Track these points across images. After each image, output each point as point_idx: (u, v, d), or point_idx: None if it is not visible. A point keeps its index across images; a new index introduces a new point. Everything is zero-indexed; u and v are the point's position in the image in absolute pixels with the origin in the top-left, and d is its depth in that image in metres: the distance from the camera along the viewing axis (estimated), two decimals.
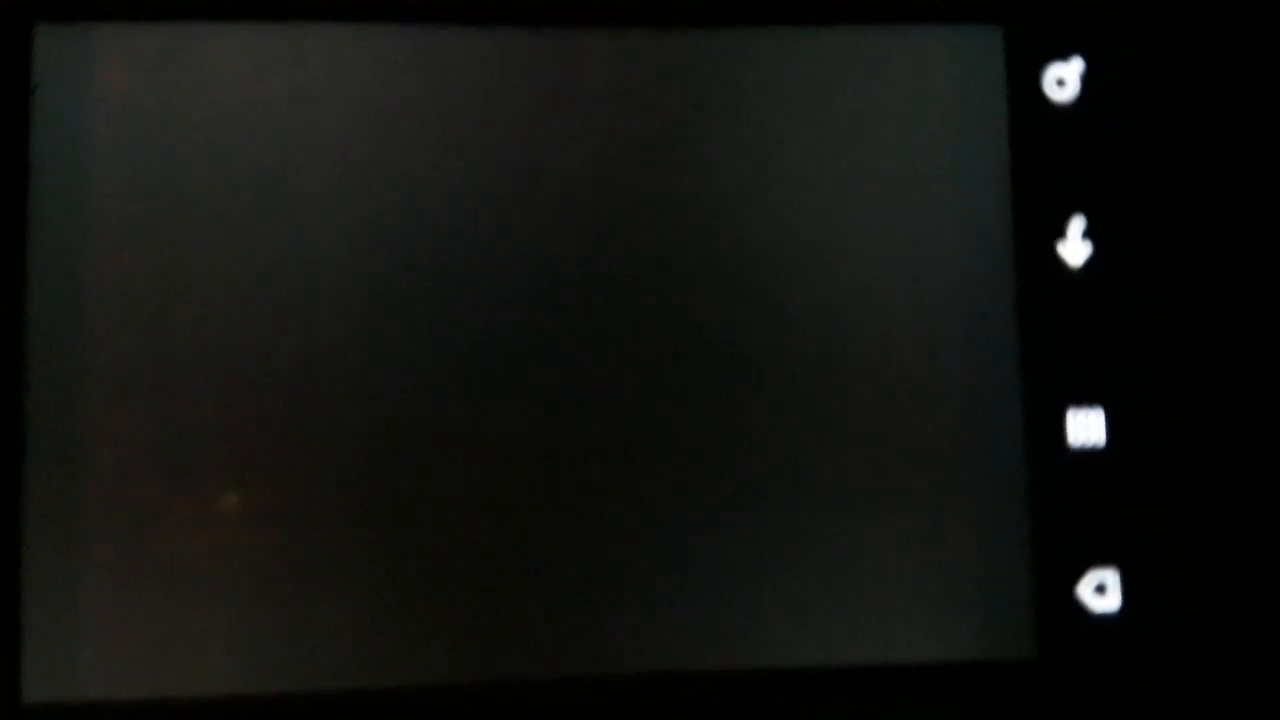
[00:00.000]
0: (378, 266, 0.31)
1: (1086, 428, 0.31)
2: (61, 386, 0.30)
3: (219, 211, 0.30)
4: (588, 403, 0.31)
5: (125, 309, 0.30)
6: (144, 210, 0.30)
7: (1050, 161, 0.31)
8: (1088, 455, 0.31)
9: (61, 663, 0.29)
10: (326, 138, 0.31)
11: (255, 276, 0.30)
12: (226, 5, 0.31)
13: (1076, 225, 0.31)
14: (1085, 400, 0.31)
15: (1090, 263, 0.31)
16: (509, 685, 0.30)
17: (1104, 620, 0.30)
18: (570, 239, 0.31)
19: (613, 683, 0.30)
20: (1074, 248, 0.31)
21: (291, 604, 0.30)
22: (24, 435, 0.29)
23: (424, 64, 0.31)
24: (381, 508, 0.30)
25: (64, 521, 0.30)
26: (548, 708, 0.30)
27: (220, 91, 0.31)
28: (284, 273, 0.30)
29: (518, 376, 0.31)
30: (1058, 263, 0.31)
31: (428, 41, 0.31)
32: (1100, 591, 0.31)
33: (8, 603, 0.29)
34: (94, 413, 0.30)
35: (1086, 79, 0.32)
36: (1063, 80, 0.32)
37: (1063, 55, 0.32)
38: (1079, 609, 0.31)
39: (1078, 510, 0.31)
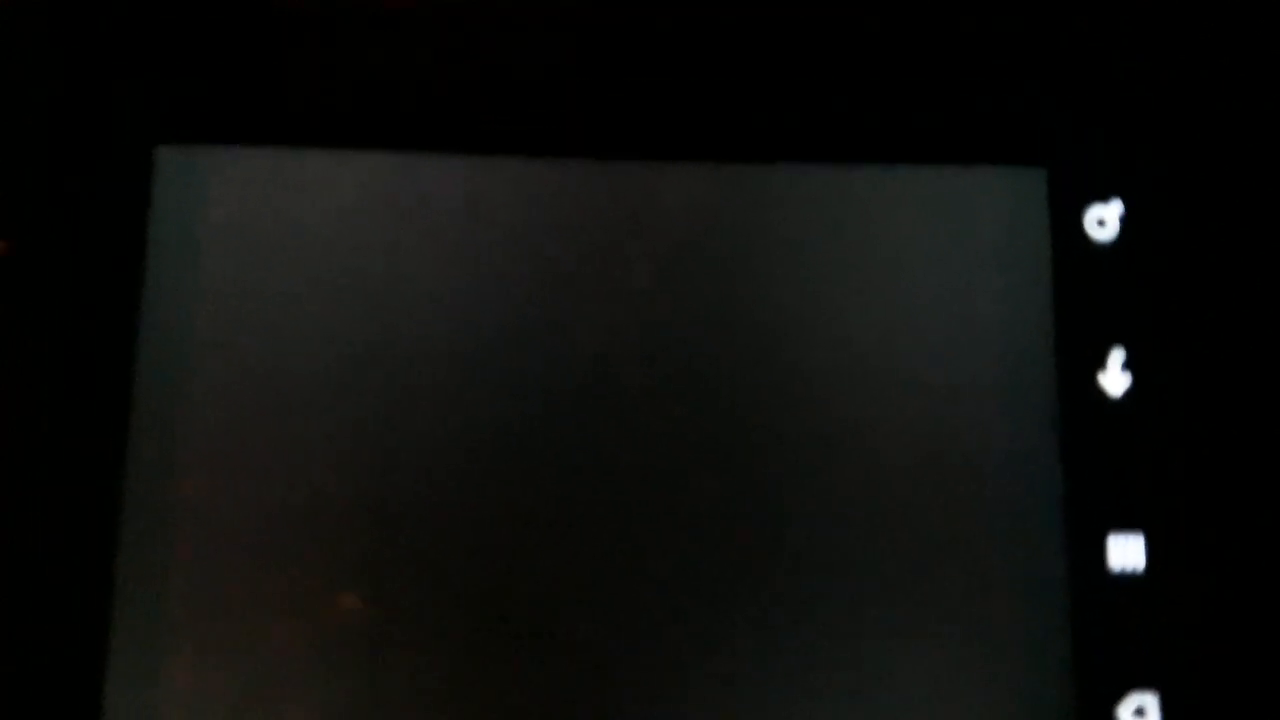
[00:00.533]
0: (464, 385, 0.32)
1: (1127, 552, 0.31)
2: (159, 469, 0.32)
3: (321, 333, 0.32)
4: (632, 513, 0.32)
5: (223, 423, 0.32)
6: (249, 329, 0.32)
7: (1091, 297, 0.33)
8: (1128, 579, 0.31)
9: None
10: (424, 265, 0.33)
11: (349, 393, 0.32)
12: (339, 132, 0.33)
13: (1116, 357, 0.32)
14: (1126, 525, 0.31)
15: (1130, 392, 0.32)
16: None
17: None
18: (623, 361, 0.32)
19: None
20: (1114, 378, 0.32)
21: (378, 694, 0.31)
22: (119, 531, 0.31)
23: (523, 195, 0.33)
24: (468, 598, 0.31)
25: (151, 605, 0.31)
26: None
27: (328, 217, 0.33)
28: (377, 390, 0.32)
29: (578, 479, 0.32)
30: (1099, 392, 0.32)
31: (529, 173, 0.33)
32: (1140, 715, 0.31)
33: (93, 684, 0.31)
34: (188, 491, 0.32)
35: (1125, 219, 0.33)
36: (1103, 220, 0.33)
37: (1103, 197, 0.33)
38: None
39: (1118, 633, 0.31)
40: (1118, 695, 0.31)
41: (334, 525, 0.32)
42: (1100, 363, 0.32)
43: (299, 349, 0.32)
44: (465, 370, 0.32)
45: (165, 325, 0.32)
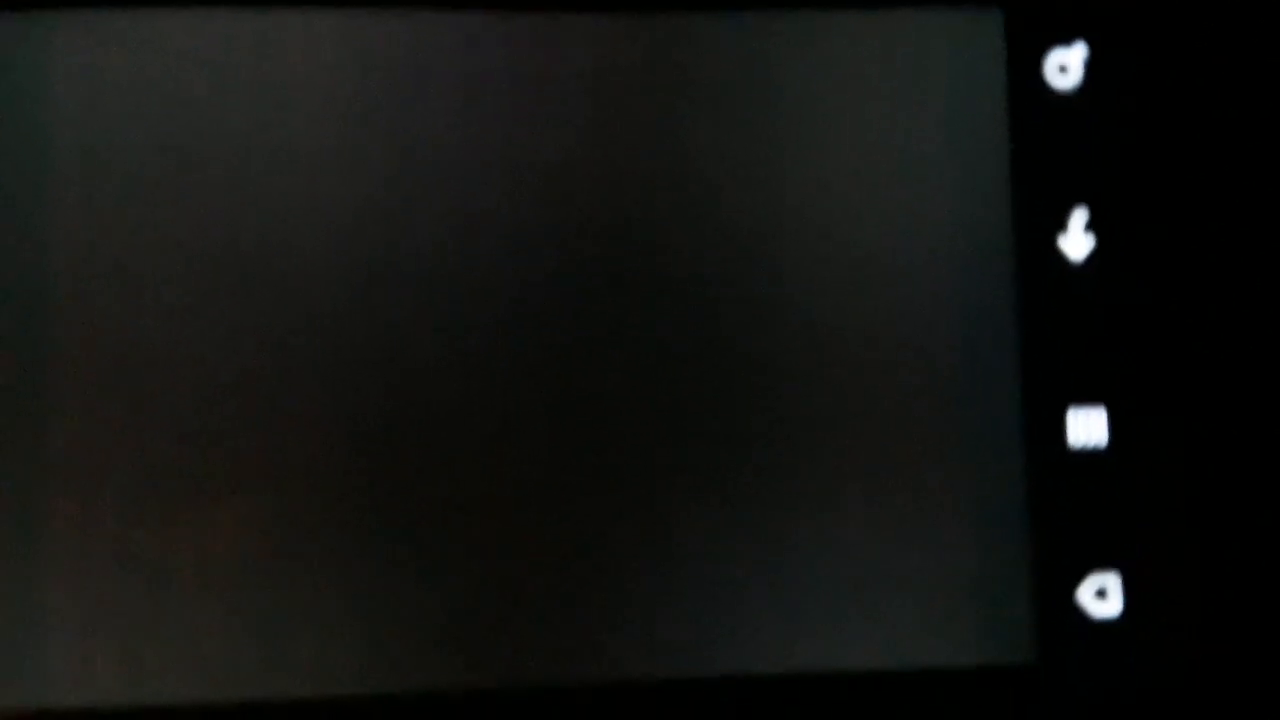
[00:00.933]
0: (353, 256, 0.30)
1: (1088, 427, 0.30)
2: (25, 383, 0.29)
3: (187, 203, 0.30)
4: (575, 397, 0.30)
5: (89, 303, 0.29)
6: (107, 202, 0.29)
7: (1051, 151, 0.31)
8: (1089, 456, 0.30)
9: (26, 669, 0.29)
10: (298, 126, 0.30)
11: (226, 268, 0.30)
12: None
13: (1078, 218, 0.31)
14: (1086, 399, 0.30)
15: (1092, 257, 0.31)
16: (495, 693, 0.29)
17: (1105, 625, 0.30)
18: (556, 230, 0.30)
19: (599, 690, 0.29)
20: (1076, 241, 0.31)
21: (268, 609, 0.29)
22: None
23: (399, 50, 0.30)
24: (363, 508, 0.29)
25: (28, 524, 0.29)
26: (533, 715, 0.29)
27: (186, 79, 0.30)
28: (254, 264, 0.30)
29: (501, 367, 0.30)
30: (1059, 257, 0.31)
31: (402, 26, 0.30)
32: (1101, 596, 0.30)
33: None
34: (59, 407, 0.29)
35: (1090, 65, 0.31)
36: (1065, 66, 0.31)
37: (1065, 40, 0.31)
38: (1079, 613, 0.30)
39: (1078, 512, 0.30)
40: (1078, 577, 0.30)
41: (207, 423, 0.29)
42: (1061, 224, 0.31)
43: (165, 230, 0.30)
44: (348, 244, 0.30)
45: (18, 216, 0.29)
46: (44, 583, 0.29)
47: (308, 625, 0.29)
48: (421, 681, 0.29)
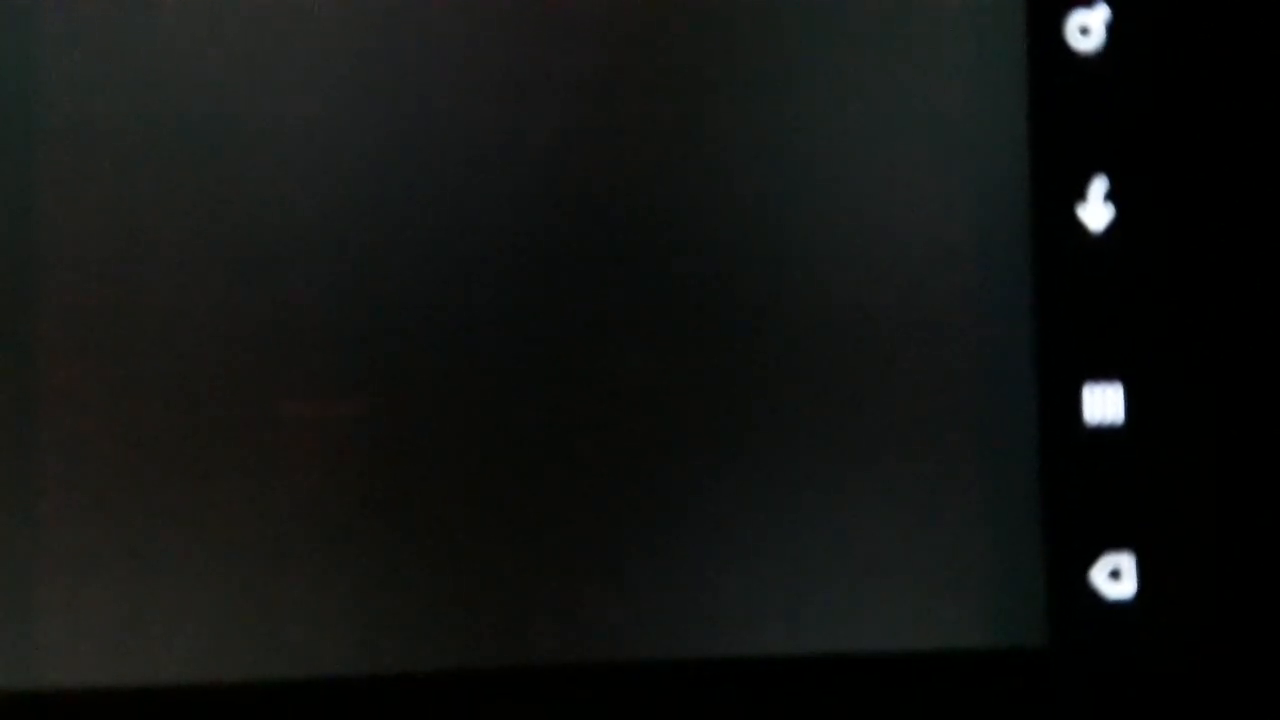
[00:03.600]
0: (351, 225, 0.29)
1: (1103, 404, 0.30)
2: (13, 357, 0.28)
3: (178, 173, 0.29)
4: (583, 378, 0.29)
5: (77, 278, 0.29)
6: (96, 171, 0.29)
7: (1071, 117, 0.30)
8: (1104, 433, 0.30)
9: (17, 649, 0.28)
10: (293, 91, 0.29)
11: (218, 238, 0.29)
12: None
13: (1098, 187, 0.30)
14: (1103, 374, 0.30)
15: (1112, 227, 0.30)
16: (494, 672, 0.29)
17: (1118, 607, 0.29)
18: (562, 194, 0.29)
19: (601, 670, 0.29)
20: (1095, 211, 0.30)
21: (261, 589, 0.29)
22: None
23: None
24: (360, 487, 0.29)
25: (17, 500, 0.28)
26: (535, 695, 0.29)
27: (174, 44, 0.29)
28: (248, 234, 0.29)
29: (504, 343, 0.29)
30: (1077, 226, 0.30)
31: None
32: (1115, 577, 0.30)
33: None
34: (47, 380, 0.28)
35: (1112, 27, 0.30)
36: (1086, 28, 0.30)
37: (1086, 1, 0.30)
38: (1093, 595, 0.29)
39: (1093, 491, 0.30)
40: (1092, 556, 0.30)
41: (202, 386, 0.29)
42: (1080, 193, 0.30)
43: (153, 167, 0.29)
44: (344, 219, 0.29)
45: None
46: (34, 563, 0.28)
47: (301, 606, 0.29)
48: (419, 662, 0.29)
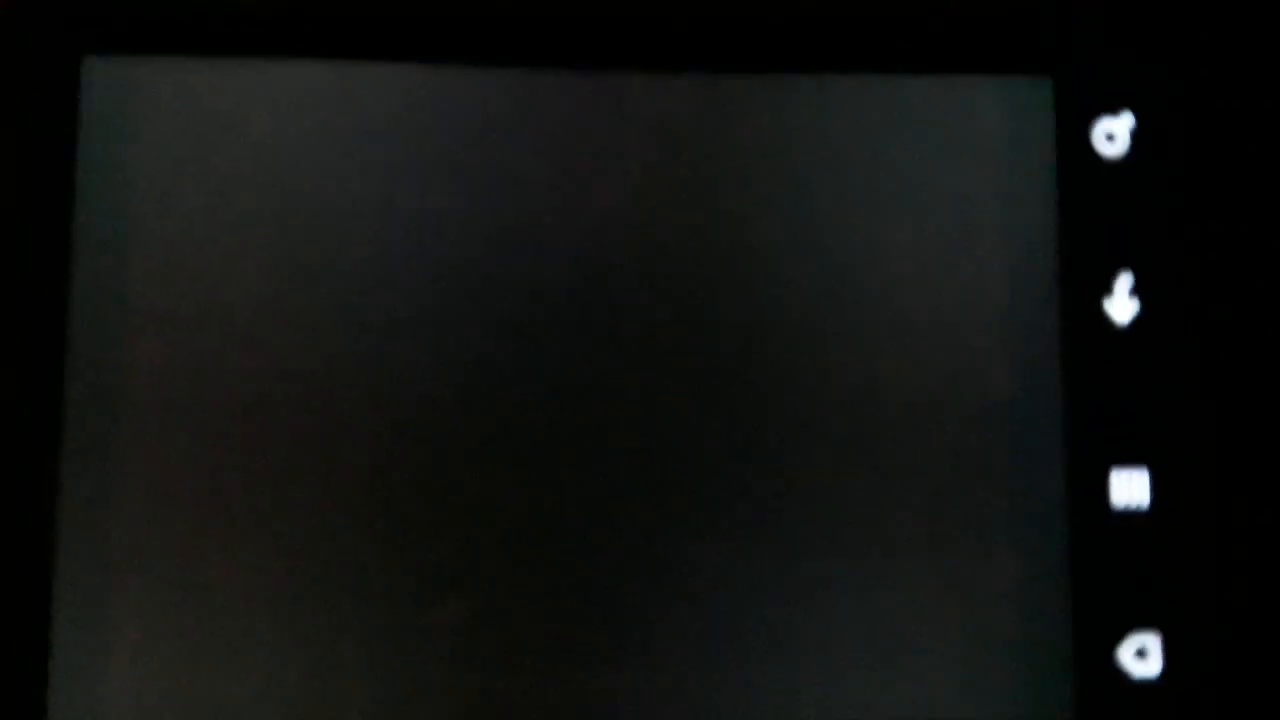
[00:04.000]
0: (412, 304, 0.30)
1: (1130, 488, 0.30)
2: (99, 425, 0.30)
3: (261, 247, 0.30)
4: (611, 448, 0.30)
5: (163, 347, 0.30)
6: (186, 244, 0.30)
7: (1098, 217, 0.31)
8: (1131, 516, 0.30)
9: (91, 693, 0.29)
10: (375, 180, 0.31)
11: (292, 313, 0.30)
12: (274, 40, 0.31)
13: (1124, 282, 0.31)
14: (1129, 460, 0.30)
15: (1137, 320, 0.31)
16: None
17: (1144, 686, 0.30)
18: (604, 280, 0.31)
19: None
20: (1121, 305, 0.31)
21: (324, 656, 0.30)
22: (59, 465, 0.29)
23: (469, 105, 0.31)
24: (405, 534, 0.30)
25: (96, 553, 0.29)
26: None
27: (269, 131, 0.31)
28: (320, 310, 0.30)
29: (546, 410, 0.30)
30: (1104, 320, 0.31)
31: (474, 82, 0.31)
32: (1141, 656, 0.30)
33: (38, 629, 0.29)
34: (131, 452, 0.30)
35: (1136, 134, 0.31)
36: (1112, 135, 0.31)
37: (1113, 110, 0.31)
38: (1119, 674, 0.30)
39: (1119, 572, 0.30)
40: (1119, 636, 0.30)
41: (291, 457, 0.30)
42: (1107, 288, 0.31)
43: (239, 273, 0.30)
44: (422, 291, 0.30)
45: (98, 253, 0.30)
46: (106, 609, 0.29)
47: (347, 660, 0.29)
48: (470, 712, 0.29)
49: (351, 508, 0.30)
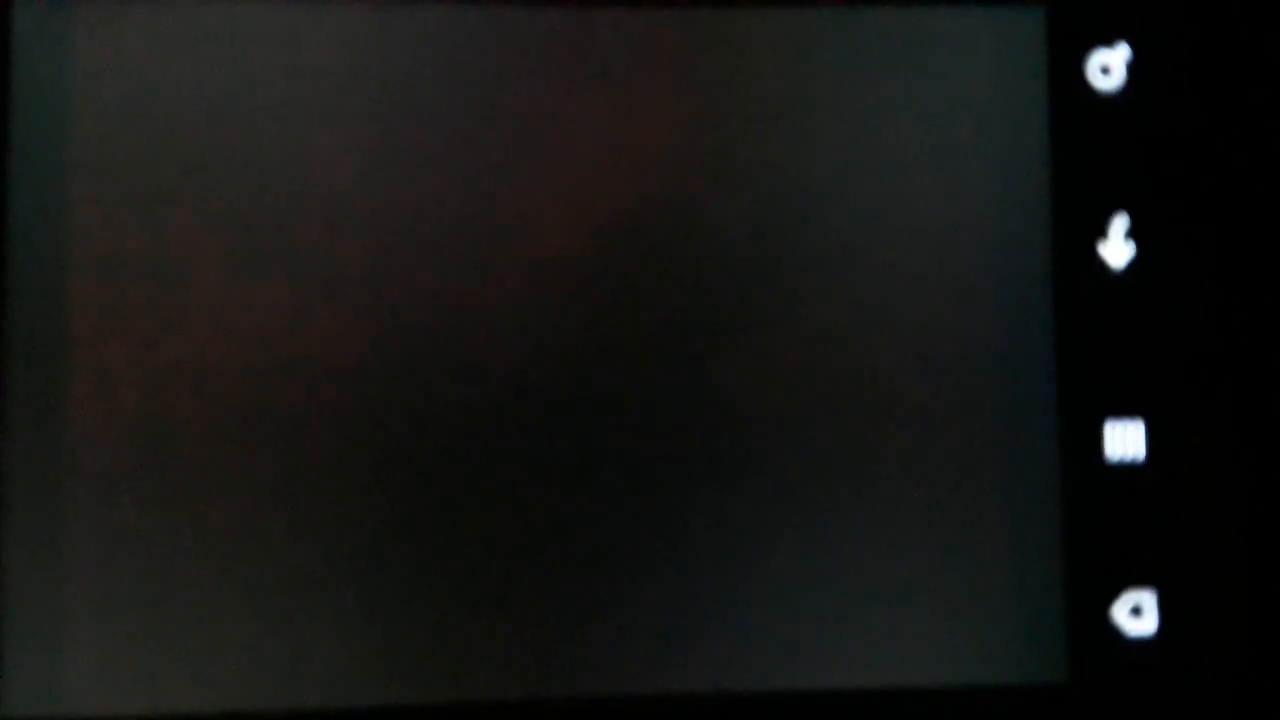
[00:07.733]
0: (377, 254, 0.29)
1: (1125, 440, 0.30)
2: (43, 385, 0.29)
3: (206, 198, 0.29)
4: (607, 413, 0.29)
5: (107, 302, 0.29)
6: (126, 195, 0.29)
7: (1093, 155, 0.30)
8: (1126, 469, 0.29)
9: (45, 676, 0.28)
10: (323, 123, 0.29)
11: (245, 266, 0.29)
12: None
13: (1119, 224, 0.30)
14: (1124, 411, 0.30)
15: (1133, 265, 0.30)
16: (526, 705, 0.29)
17: (1139, 643, 0.29)
18: (584, 225, 0.30)
19: (634, 705, 0.29)
20: (1116, 248, 0.30)
21: (285, 619, 0.29)
22: (3, 436, 0.28)
23: (428, 44, 0.30)
24: (379, 520, 0.29)
25: (47, 529, 0.28)
26: None
27: (207, 71, 0.29)
28: (276, 261, 0.29)
29: (527, 378, 0.29)
30: (1098, 264, 0.30)
31: (431, 20, 0.30)
32: (1136, 614, 0.29)
33: None
34: (77, 413, 0.29)
35: (1133, 67, 0.30)
36: (1107, 68, 0.30)
37: (1108, 41, 0.30)
38: (1114, 632, 0.29)
39: (1114, 528, 0.29)
40: (1113, 593, 0.29)
41: (231, 417, 0.29)
42: (1101, 231, 0.30)
43: (185, 225, 0.29)
44: (371, 241, 0.29)
45: (34, 204, 0.29)
46: (63, 591, 0.28)
47: (330, 635, 0.29)
48: (441, 693, 0.29)
49: (302, 467, 0.29)
